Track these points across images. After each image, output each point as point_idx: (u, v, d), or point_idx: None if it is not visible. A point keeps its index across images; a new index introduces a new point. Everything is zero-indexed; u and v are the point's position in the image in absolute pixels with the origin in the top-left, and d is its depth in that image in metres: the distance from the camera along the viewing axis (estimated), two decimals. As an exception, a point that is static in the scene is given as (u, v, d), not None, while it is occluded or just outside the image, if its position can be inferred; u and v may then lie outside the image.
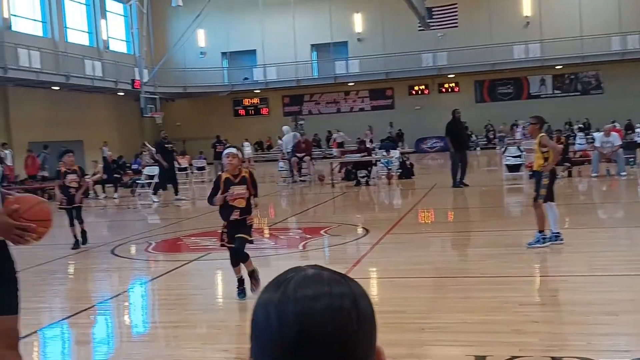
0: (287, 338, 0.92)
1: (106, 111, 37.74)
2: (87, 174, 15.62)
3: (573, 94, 40.57)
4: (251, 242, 6.41)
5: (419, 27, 37.64)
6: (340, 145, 34.07)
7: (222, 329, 5.82)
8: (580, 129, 33.25)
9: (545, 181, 8.34)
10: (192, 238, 11.19)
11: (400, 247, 9.36)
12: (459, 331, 5.17)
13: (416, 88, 42.43)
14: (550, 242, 8.29)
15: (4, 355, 3.21)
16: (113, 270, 9.19)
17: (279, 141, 30.39)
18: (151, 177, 19.30)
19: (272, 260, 8.97)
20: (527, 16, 40.08)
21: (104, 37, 38.18)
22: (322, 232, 11.10)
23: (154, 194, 18.72)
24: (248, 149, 34.88)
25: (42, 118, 31.42)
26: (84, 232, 10.74)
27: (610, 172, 18.09)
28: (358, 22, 42.38)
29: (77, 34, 36.56)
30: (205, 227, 11.89)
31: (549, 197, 8.37)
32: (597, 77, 40.22)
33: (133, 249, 10.64)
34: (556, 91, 40.89)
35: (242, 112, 45.32)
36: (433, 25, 37.65)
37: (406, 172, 21.42)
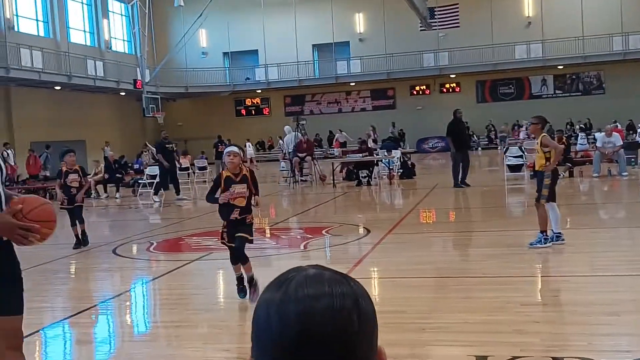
0: (288, 338, 0.92)
1: (108, 111, 37.77)
2: (88, 174, 15.63)
3: (574, 94, 40.54)
4: (251, 241, 6.37)
5: (421, 27, 37.66)
6: (343, 145, 34.08)
7: (223, 328, 5.81)
8: (582, 129, 33.31)
9: (547, 181, 8.33)
10: (194, 238, 11.19)
11: (401, 247, 9.35)
12: (460, 331, 5.17)
13: (417, 88, 42.43)
14: (551, 243, 8.29)
15: (9, 356, 3.21)
16: (115, 270, 9.19)
17: (280, 141, 30.44)
18: (153, 177, 19.30)
19: (274, 260, 8.97)
20: (528, 16, 40.08)
21: (106, 37, 38.24)
22: (323, 232, 11.09)
23: (155, 194, 18.73)
24: (250, 149, 35.15)
25: (44, 118, 31.45)
26: (83, 233, 10.63)
27: (611, 173, 18.07)
28: (360, 22, 42.40)
29: (79, 34, 36.61)
30: (206, 226, 11.88)
31: (551, 198, 8.36)
32: (598, 77, 40.19)
33: (135, 249, 10.64)
34: (558, 91, 40.86)
35: (243, 112, 45.35)
36: (435, 26, 37.65)
37: (407, 172, 21.42)
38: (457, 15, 38.06)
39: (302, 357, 0.92)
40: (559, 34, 37.55)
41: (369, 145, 23.03)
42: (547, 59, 38.44)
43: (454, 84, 41.96)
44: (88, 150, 32.53)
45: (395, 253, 8.87)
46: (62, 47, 33.11)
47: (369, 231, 10.78)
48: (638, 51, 36.93)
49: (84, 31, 37.20)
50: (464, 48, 38.39)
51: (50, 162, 24.84)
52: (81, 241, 10.53)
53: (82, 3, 37.11)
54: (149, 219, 15.90)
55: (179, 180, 19.48)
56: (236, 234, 6.22)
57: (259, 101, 45.08)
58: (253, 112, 45.28)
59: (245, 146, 34.90)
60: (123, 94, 37.69)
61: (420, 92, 42.49)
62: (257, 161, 36.50)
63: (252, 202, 6.32)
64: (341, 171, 22.23)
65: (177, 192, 18.61)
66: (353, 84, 42.33)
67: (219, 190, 6.25)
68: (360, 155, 21.13)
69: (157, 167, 19.18)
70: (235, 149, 6.36)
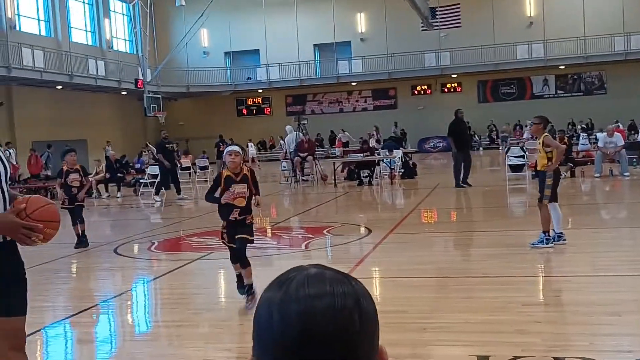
0: (289, 337, 0.92)
1: (109, 110, 37.78)
2: (90, 173, 15.63)
3: (576, 94, 40.50)
4: (252, 241, 6.33)
5: (422, 27, 37.64)
6: (346, 145, 34.08)
7: (224, 328, 5.81)
8: (583, 129, 33.26)
9: (549, 181, 8.31)
10: (195, 237, 11.20)
11: (403, 247, 9.35)
12: (462, 331, 5.16)
13: (419, 88, 42.41)
14: (553, 243, 8.28)
15: (11, 357, 3.20)
16: (116, 270, 9.19)
17: (281, 141, 30.44)
18: (154, 176, 19.31)
19: (275, 260, 8.97)
20: (530, 16, 40.04)
21: (108, 36, 38.25)
22: (324, 231, 11.09)
23: (156, 193, 18.73)
24: (252, 149, 35.27)
25: (45, 117, 31.46)
26: (83, 234, 10.52)
27: (613, 173, 18.06)
28: (361, 22, 42.37)
29: (81, 34, 36.63)
30: (207, 226, 11.88)
31: (553, 198, 8.35)
32: (600, 78, 40.15)
33: (136, 248, 10.64)
34: (559, 91, 40.83)
35: (244, 111, 45.35)
36: (436, 26, 37.63)
37: (409, 172, 21.41)
38: (459, 15, 38.04)
39: (303, 356, 0.92)
40: (560, 34, 37.52)
41: (371, 145, 23.03)
42: (548, 59, 38.40)
43: (456, 84, 41.93)
44: (89, 150, 32.54)
45: (396, 253, 8.87)
46: (64, 46, 33.13)
47: (370, 231, 10.77)
48: (640, 51, 36.94)
49: (86, 30, 37.22)
50: (465, 48, 38.37)
51: (52, 162, 24.84)
52: (82, 241, 10.51)
53: (83, 2, 37.13)
54: (150, 219, 15.90)
55: (180, 180, 19.48)
56: (236, 235, 6.15)
57: (260, 101, 45.08)
58: (254, 111, 45.27)
59: (247, 146, 35.04)
60: (124, 93, 37.70)
61: (422, 92, 42.48)
62: (259, 161, 36.52)
63: (253, 202, 6.25)
64: (342, 171, 22.23)
65: (178, 191, 18.61)
66: (354, 83, 42.32)
67: (219, 189, 6.18)
68: (362, 155, 21.12)
69: (158, 167, 19.18)
70: (236, 148, 6.31)
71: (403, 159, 22.05)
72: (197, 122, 42.90)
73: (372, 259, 8.58)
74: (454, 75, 40.95)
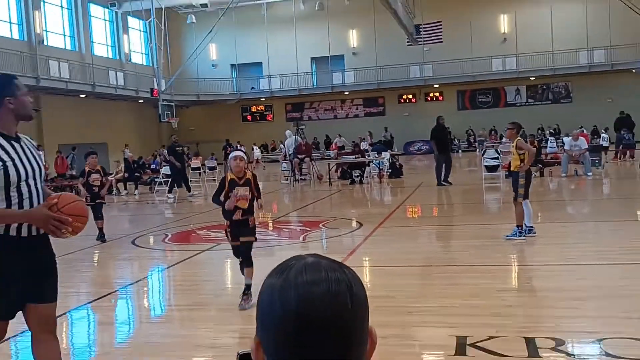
0: (289, 322, 0.91)
1: (128, 117, 37.71)
2: (110, 173, 15.59)
3: (545, 102, 40.59)
4: (255, 240, 6.20)
5: (408, 42, 37.61)
6: (341, 148, 34.01)
7: (231, 311, 5.79)
8: (551, 134, 33.31)
9: (522, 181, 8.33)
10: (204, 230, 11.18)
11: (391, 239, 9.34)
12: (444, 314, 5.16)
13: (405, 97, 42.43)
14: (525, 236, 8.29)
15: (44, 340, 3.20)
16: (134, 259, 9.17)
17: (282, 144, 30.41)
18: (168, 175, 19.29)
19: (276, 251, 8.96)
20: (504, 33, 40.10)
21: (126, 50, 38.20)
22: (320, 225, 11.09)
23: (170, 191, 18.70)
24: (257, 152, 35.29)
25: (70, 123, 31.42)
26: (101, 230, 10.30)
27: (578, 173, 18.10)
28: (353, 38, 42.35)
29: (102, 48, 36.57)
30: (216, 220, 11.85)
31: (525, 195, 8.36)
32: (566, 88, 40.24)
33: (151, 240, 10.62)
34: (530, 100, 40.89)
35: (249, 117, 45.29)
36: (420, 41, 37.61)
37: (396, 172, 21.40)
38: (441, 32, 38.02)
39: (302, 342, 0.91)
40: (531, 49, 37.63)
41: (362, 148, 23.00)
42: (520, 71, 38.47)
43: (438, 93, 41.95)
44: (110, 152, 32.51)
45: (385, 244, 8.86)
46: (87, 59, 33.07)
47: (361, 225, 10.77)
48: (602, 64, 37.03)
49: (106, 45, 37.16)
50: (446, 61, 38.45)
51: (76, 162, 24.78)
52: (100, 236, 10.31)
53: (104, 20, 37.10)
54: (164, 214, 15.87)
55: (189, 179, 19.45)
56: (240, 237, 5.96)
57: (263, 108, 45.03)
58: (258, 118, 45.22)
59: (252, 149, 35.10)
60: (141, 101, 37.63)
61: (407, 101, 42.49)
62: (263, 162, 36.50)
63: (256, 205, 6.04)
64: (336, 171, 22.22)
65: (188, 190, 18.59)
66: (347, 93, 42.32)
67: (224, 192, 5.99)
68: (354, 156, 21.10)
69: (169, 167, 19.19)
70: (241, 153, 6.18)
71: (390, 160, 22.04)
72: (207, 127, 42.83)
73: (363, 250, 8.57)
74: (436, 86, 40.97)
